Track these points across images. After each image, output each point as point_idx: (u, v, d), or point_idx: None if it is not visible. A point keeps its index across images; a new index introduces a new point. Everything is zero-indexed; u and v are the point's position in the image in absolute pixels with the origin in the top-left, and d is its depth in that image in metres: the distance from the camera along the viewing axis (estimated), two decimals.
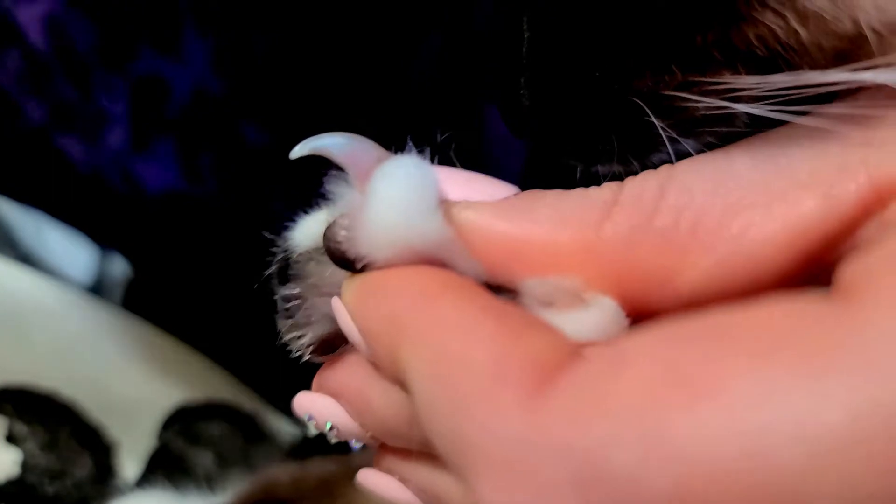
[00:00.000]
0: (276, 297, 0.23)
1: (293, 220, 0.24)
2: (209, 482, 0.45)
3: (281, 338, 0.23)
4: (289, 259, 0.23)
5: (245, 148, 0.42)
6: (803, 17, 0.19)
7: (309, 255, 0.23)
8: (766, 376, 0.15)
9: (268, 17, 0.39)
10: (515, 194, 0.22)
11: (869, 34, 0.18)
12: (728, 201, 0.19)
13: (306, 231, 0.23)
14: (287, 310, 0.23)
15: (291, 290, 0.23)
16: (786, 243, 0.18)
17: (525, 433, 0.16)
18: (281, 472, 0.42)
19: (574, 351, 0.18)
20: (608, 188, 0.20)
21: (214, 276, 0.47)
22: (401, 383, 0.20)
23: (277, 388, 0.47)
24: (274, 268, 0.24)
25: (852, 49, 0.19)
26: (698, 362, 0.16)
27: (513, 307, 0.20)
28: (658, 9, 0.20)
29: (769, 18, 0.19)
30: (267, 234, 0.25)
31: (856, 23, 0.18)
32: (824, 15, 0.18)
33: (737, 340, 0.16)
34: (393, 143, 0.22)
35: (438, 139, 0.22)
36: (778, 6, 0.19)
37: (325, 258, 0.22)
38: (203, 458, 0.46)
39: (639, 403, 0.15)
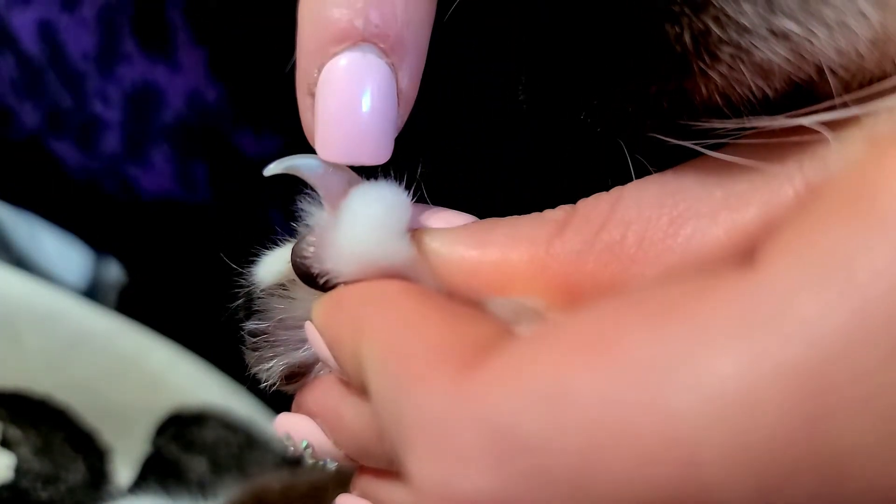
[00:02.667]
0: (243, 331, 0.24)
1: (288, 229, 0.24)
2: (202, 488, 0.45)
3: (249, 370, 0.24)
4: (252, 295, 0.24)
5: (240, 157, 0.42)
6: (761, 68, 0.19)
7: (272, 290, 0.24)
8: (661, 332, 0.15)
9: (264, 24, 0.39)
10: (475, 221, 0.23)
11: (831, 79, 0.18)
12: (674, 213, 0.20)
13: (269, 268, 0.24)
14: (254, 343, 0.24)
15: (257, 324, 0.23)
16: (731, 249, 0.19)
17: (450, 407, 0.17)
18: (272, 479, 0.42)
19: (509, 333, 0.19)
20: (562, 209, 0.21)
21: (209, 281, 0.47)
22: (366, 391, 0.20)
23: (272, 394, 0.47)
24: (238, 302, 0.24)
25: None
26: (602, 327, 0.16)
27: (462, 304, 0.21)
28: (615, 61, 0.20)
29: (722, 71, 0.19)
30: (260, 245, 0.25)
31: (819, 68, 0.19)
32: (786, 67, 0.18)
33: (642, 305, 0.16)
34: (374, 169, 0.23)
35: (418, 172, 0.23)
36: (730, 60, 0.19)
37: (289, 294, 0.23)
38: (197, 464, 0.46)
39: (548, 370, 0.16)
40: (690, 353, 0.15)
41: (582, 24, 0.20)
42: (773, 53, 0.18)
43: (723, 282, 0.16)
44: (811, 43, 0.18)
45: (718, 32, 0.18)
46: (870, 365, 0.14)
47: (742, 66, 0.19)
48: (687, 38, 0.19)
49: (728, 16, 0.18)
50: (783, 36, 0.18)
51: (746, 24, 0.18)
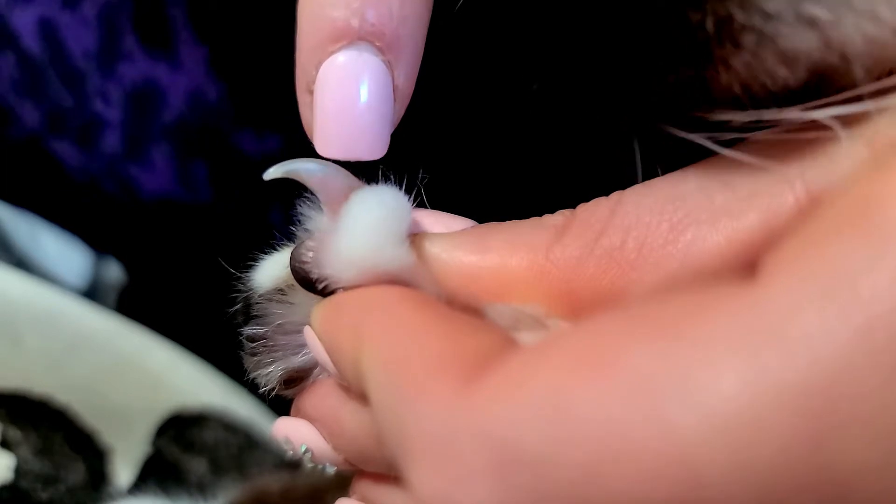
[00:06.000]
0: (242, 336, 0.24)
1: (288, 230, 0.24)
2: (202, 489, 0.45)
3: (248, 374, 0.24)
4: (251, 300, 0.24)
5: (240, 156, 0.42)
6: (785, 56, 0.18)
7: (270, 295, 0.24)
8: (662, 347, 0.15)
9: (266, 22, 0.39)
10: (473, 226, 0.23)
11: (857, 69, 0.18)
12: (674, 219, 0.19)
13: (267, 272, 0.24)
14: (253, 348, 0.24)
15: (256, 329, 0.23)
16: (731, 255, 0.19)
17: (450, 419, 0.17)
18: (272, 481, 0.42)
19: (510, 343, 0.19)
20: (561, 214, 0.21)
21: (209, 282, 0.47)
22: (366, 397, 0.20)
23: (272, 395, 0.47)
24: (237, 307, 0.24)
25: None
26: (603, 341, 0.16)
27: (462, 312, 0.20)
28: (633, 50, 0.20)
29: (745, 59, 0.18)
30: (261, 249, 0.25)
31: (843, 57, 0.18)
32: (812, 54, 0.18)
33: (643, 318, 0.16)
34: (374, 173, 0.23)
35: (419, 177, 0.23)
36: (753, 47, 0.18)
37: (287, 299, 0.22)
38: (197, 465, 0.46)
39: (549, 385, 0.16)
40: (691, 368, 0.15)
41: (601, 10, 0.20)
42: (800, 40, 0.18)
43: (724, 296, 0.16)
44: (838, 30, 0.18)
45: (742, 19, 0.18)
46: (874, 382, 0.14)
47: (765, 54, 0.18)
48: (709, 24, 0.18)
49: (752, 2, 0.18)
50: (810, 22, 0.18)
51: (772, 10, 0.18)
